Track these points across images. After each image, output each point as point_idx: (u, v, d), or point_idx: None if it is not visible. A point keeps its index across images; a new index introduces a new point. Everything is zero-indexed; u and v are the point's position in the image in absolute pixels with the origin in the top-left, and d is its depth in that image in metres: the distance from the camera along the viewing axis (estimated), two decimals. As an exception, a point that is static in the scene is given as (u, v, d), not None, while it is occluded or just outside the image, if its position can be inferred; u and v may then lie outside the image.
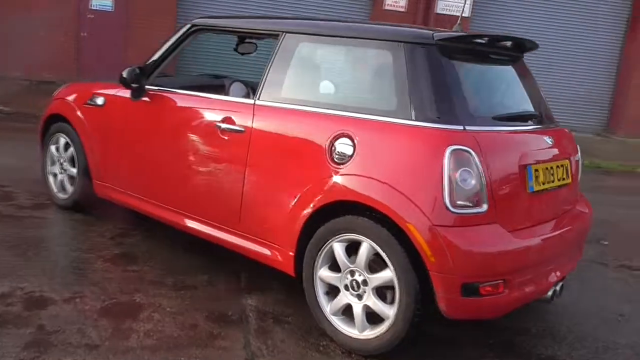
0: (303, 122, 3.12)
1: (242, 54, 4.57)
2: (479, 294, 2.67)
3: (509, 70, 3.40)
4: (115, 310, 3.06)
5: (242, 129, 3.28)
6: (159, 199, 3.78)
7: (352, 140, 2.88)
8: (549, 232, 3.02)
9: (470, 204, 2.67)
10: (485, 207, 2.70)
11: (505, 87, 3.37)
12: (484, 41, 3.17)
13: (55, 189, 4.56)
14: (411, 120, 2.80)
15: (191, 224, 3.60)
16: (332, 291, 3.01)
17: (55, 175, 4.56)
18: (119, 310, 3.06)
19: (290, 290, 3.41)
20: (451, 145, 2.69)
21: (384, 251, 2.76)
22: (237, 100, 3.61)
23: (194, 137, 3.55)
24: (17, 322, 2.83)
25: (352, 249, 2.91)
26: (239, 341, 2.90)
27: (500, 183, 2.79)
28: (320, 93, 3.22)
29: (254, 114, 3.26)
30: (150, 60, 3.92)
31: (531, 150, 3.04)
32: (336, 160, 2.92)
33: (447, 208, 2.64)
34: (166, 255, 3.83)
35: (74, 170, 4.36)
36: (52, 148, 4.53)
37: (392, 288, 2.78)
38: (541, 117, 3.37)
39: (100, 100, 4.09)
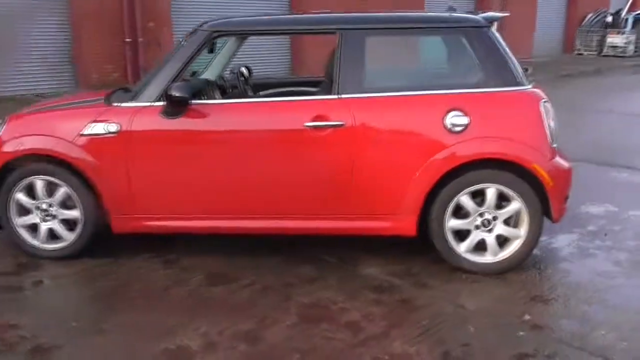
0: (410, 105, 3.66)
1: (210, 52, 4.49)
2: (566, 200, 3.80)
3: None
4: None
5: (342, 123, 3.61)
6: (236, 211, 3.78)
7: (464, 112, 3.60)
8: None
9: (554, 141, 3.71)
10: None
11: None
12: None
13: (37, 242, 3.91)
14: (503, 87, 3.66)
15: (287, 223, 3.78)
16: (458, 235, 3.75)
17: (32, 226, 3.89)
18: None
19: (399, 258, 3.98)
20: (540, 99, 3.67)
21: (511, 189, 3.63)
22: (320, 98, 3.82)
23: (276, 141, 3.68)
24: None
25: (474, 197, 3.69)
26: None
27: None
28: (412, 78, 3.77)
29: (349, 107, 3.62)
30: (165, 73, 3.74)
31: None
32: (454, 130, 3.59)
33: (550, 146, 3.65)
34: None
35: (73, 213, 3.84)
36: (19, 195, 3.84)
37: (517, 216, 3.69)
38: None
39: (112, 127, 3.69)
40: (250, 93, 4.70)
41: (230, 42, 4.63)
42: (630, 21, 22.42)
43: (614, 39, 22.06)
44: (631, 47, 21.92)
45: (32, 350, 2.92)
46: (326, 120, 3.62)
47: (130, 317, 3.25)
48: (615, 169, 6.26)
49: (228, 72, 4.86)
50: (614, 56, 21.50)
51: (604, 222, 4.66)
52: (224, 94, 4.46)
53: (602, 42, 22.39)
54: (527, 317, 3.22)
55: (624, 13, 23.05)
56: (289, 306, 3.33)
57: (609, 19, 22.66)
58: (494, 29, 3.80)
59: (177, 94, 3.54)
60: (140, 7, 11.31)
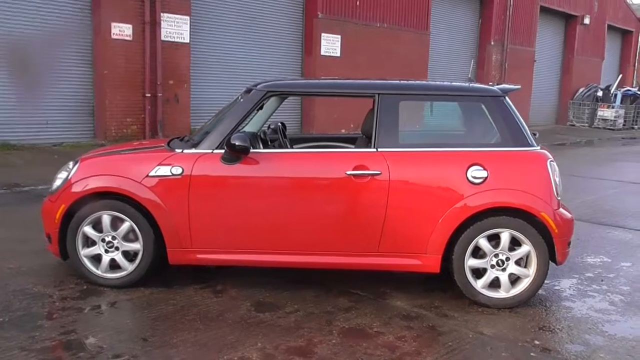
0: (438, 159, 4.26)
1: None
2: (569, 245, 4.36)
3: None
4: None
5: (379, 172, 4.19)
6: (281, 247, 4.31)
7: (483, 166, 4.19)
8: None
9: (559, 194, 4.30)
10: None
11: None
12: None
13: (99, 271, 4.39)
14: (518, 147, 4.28)
15: (326, 259, 4.31)
16: (475, 273, 4.28)
17: (96, 256, 4.39)
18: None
19: (420, 294, 4.50)
20: (548, 159, 4.28)
21: (522, 234, 4.19)
22: (360, 150, 4.44)
23: (321, 186, 4.26)
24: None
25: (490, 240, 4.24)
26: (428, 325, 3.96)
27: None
28: (438, 136, 4.39)
29: (386, 159, 4.21)
30: (225, 125, 4.33)
31: None
32: (475, 182, 4.18)
33: (556, 198, 4.23)
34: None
35: (135, 246, 4.35)
36: (87, 229, 4.35)
37: (527, 257, 4.24)
38: None
39: (177, 170, 4.25)
40: (288, 146, 5.29)
41: (272, 100, 5.25)
42: (619, 96, 23.58)
43: (605, 112, 23.12)
44: (620, 121, 22.98)
45: (114, 357, 3.38)
46: (365, 169, 4.20)
47: (193, 335, 3.71)
48: (608, 228, 6.91)
49: (266, 127, 5.47)
50: (604, 128, 22.48)
51: (599, 270, 5.24)
52: (266, 146, 5.04)
53: (593, 115, 23.44)
54: (537, 342, 3.74)
55: (613, 88, 24.23)
56: (332, 329, 3.82)
57: (600, 93, 23.81)
58: (507, 99, 4.44)
59: (240, 144, 4.12)
60: (162, 65, 12.07)
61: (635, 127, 23.54)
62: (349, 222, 4.26)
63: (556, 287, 4.74)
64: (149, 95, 12.04)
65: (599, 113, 23.25)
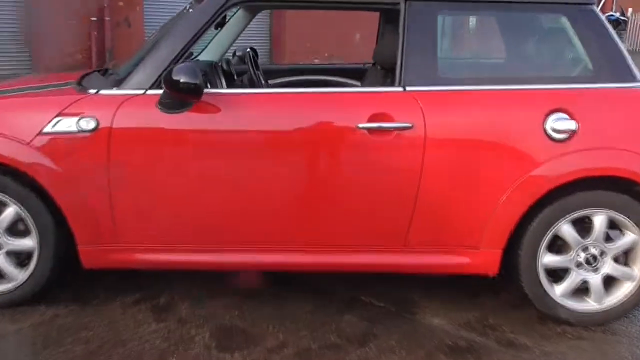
0: (499, 103, 2.71)
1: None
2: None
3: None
4: None
5: (409, 125, 2.64)
6: (257, 241, 2.79)
7: (570, 114, 2.67)
8: None
9: None
10: None
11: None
12: None
13: (-25, 283, 2.83)
14: (617, 83, 2.74)
15: (328, 258, 2.80)
16: (552, 274, 2.84)
17: (-30, 261, 2.81)
18: None
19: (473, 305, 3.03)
20: (668, 99, 2.77)
21: (625, 217, 2.72)
22: (378, 90, 2.85)
23: (318, 146, 2.69)
24: None
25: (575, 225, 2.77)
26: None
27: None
28: (500, 68, 2.84)
29: (418, 104, 2.66)
30: (164, 51, 2.72)
31: None
32: (557, 139, 2.66)
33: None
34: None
35: (27, 243, 2.77)
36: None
37: (631, 251, 2.79)
38: None
39: (87, 123, 2.64)
40: (262, 82, 3.69)
41: (239, 15, 3.62)
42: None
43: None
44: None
45: None
46: (388, 120, 2.64)
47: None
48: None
49: (232, 55, 3.85)
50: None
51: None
52: (230, 83, 3.45)
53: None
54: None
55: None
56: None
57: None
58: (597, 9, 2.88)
59: (187, 80, 2.51)
60: (109, -16, 10.21)
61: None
62: (360, 202, 2.73)
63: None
64: (95, 19, 10.26)
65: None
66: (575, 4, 2.81)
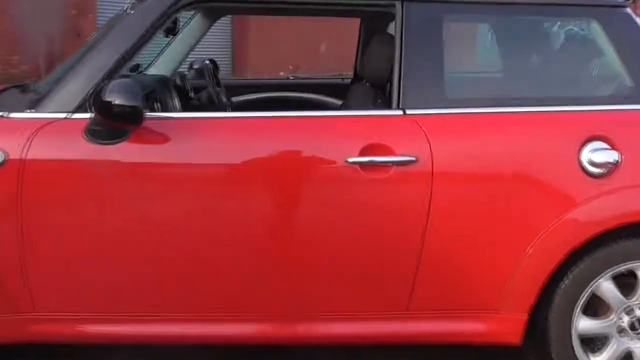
0: (523, 129, 2.17)
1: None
2: None
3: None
4: None
5: (413, 158, 2.07)
6: (210, 308, 2.17)
7: (610, 142, 2.14)
8: None
9: None
10: None
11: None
12: None
13: None
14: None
15: (305, 329, 2.20)
16: (588, 343, 2.29)
17: None
18: None
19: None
20: None
21: (681, 272, 2.20)
22: (371, 114, 2.25)
23: (294, 187, 2.10)
24: None
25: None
26: None
27: None
28: (521, 84, 2.28)
29: (423, 131, 2.09)
30: (94, 64, 2.10)
31: None
32: (595, 173, 2.13)
33: None
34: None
35: None
36: None
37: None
38: None
39: (-11, 158, 2.00)
40: (225, 100, 3.08)
41: (196, 22, 3.02)
42: None
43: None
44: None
45: None
46: (385, 153, 2.07)
47: None
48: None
49: (188, 68, 3.25)
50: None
51: None
52: (186, 102, 2.85)
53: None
54: None
55: None
56: None
57: None
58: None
59: (122, 101, 1.88)
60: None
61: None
62: (348, 259, 2.14)
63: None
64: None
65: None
66: (607, 6, 2.30)
